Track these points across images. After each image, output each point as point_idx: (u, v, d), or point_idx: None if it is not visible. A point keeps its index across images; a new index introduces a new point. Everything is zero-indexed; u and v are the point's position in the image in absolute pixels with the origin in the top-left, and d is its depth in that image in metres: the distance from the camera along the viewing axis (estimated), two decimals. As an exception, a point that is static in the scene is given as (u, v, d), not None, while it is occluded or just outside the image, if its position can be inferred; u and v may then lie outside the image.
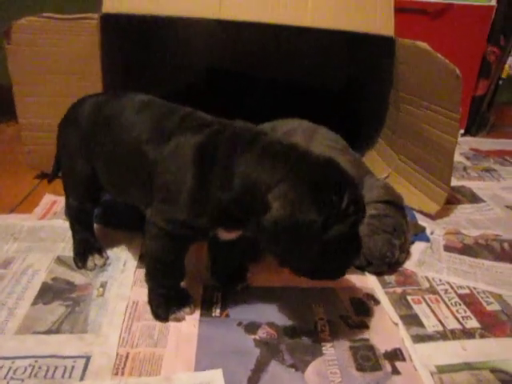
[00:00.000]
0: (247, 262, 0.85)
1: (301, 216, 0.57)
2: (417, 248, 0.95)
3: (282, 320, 0.73)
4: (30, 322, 0.72)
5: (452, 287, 0.84)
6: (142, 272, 0.83)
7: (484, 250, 0.96)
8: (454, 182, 1.31)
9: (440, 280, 0.86)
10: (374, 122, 1.32)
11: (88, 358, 0.66)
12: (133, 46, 1.31)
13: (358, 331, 0.72)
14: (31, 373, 0.63)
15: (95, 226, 0.92)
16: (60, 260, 0.87)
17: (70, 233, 0.91)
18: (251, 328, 0.72)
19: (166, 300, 0.73)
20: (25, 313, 0.73)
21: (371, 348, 0.69)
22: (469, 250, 0.96)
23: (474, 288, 0.84)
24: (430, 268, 0.89)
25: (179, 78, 1.45)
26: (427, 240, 0.98)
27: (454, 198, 1.20)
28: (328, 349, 0.68)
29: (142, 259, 0.87)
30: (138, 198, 0.74)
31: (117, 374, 0.63)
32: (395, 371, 0.65)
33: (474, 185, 1.30)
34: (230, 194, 0.62)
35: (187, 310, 0.74)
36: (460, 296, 0.82)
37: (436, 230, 1.03)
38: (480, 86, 1.64)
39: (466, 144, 1.66)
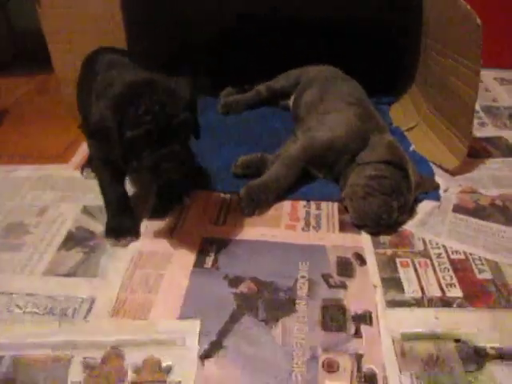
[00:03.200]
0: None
1: (104, 123, 0.74)
2: (423, 207, 0.94)
3: (265, 276, 0.79)
4: (53, 265, 0.84)
5: (446, 251, 0.83)
6: (152, 224, 0.93)
7: (497, 212, 0.92)
8: (492, 132, 1.22)
9: (436, 243, 0.85)
10: (410, 64, 1.24)
11: (93, 300, 0.77)
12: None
13: (336, 291, 0.76)
14: (49, 310, 0.76)
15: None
16: (86, 210, 0.99)
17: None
18: (235, 282, 0.78)
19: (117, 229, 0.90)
20: (51, 257, 0.86)
21: (342, 309, 0.73)
22: (480, 211, 0.92)
23: (471, 254, 0.82)
24: (431, 230, 0.88)
25: (209, 26, 1.46)
26: (437, 199, 0.95)
27: (485, 151, 1.12)
28: (301, 306, 0.74)
29: (154, 214, 0.96)
30: None
31: (113, 315, 0.74)
32: (357, 334, 0.69)
33: (514, 135, 1.20)
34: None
35: (129, 238, 0.89)
36: (452, 261, 0.81)
37: (451, 188, 0.99)
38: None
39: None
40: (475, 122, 1.29)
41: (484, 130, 1.25)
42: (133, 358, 0.66)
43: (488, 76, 1.57)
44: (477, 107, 1.37)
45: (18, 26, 1.95)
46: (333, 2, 1.40)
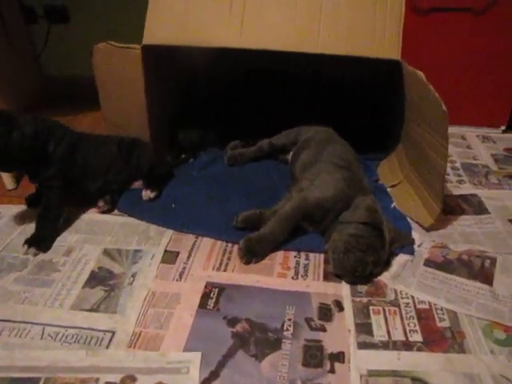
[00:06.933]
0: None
1: None
2: (398, 260, 1.08)
3: (257, 317, 0.94)
4: (79, 301, 0.99)
5: (414, 301, 0.97)
6: (164, 267, 1.08)
7: (462, 267, 1.06)
8: (468, 190, 1.36)
9: (406, 294, 0.99)
10: (398, 125, 1.40)
11: (113, 333, 0.92)
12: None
13: (316, 333, 0.90)
14: (76, 339, 0.91)
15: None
16: (106, 252, 1.14)
17: (116, 227, 1.20)
18: (232, 322, 0.93)
19: None
20: (77, 293, 1.01)
21: (321, 348, 0.87)
22: (447, 265, 1.06)
23: (434, 304, 0.96)
24: (402, 281, 1.02)
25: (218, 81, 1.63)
26: (411, 253, 1.10)
27: (459, 208, 1.27)
28: (286, 345, 0.88)
29: (167, 254, 1.12)
30: None
31: (130, 346, 0.89)
32: (332, 370, 0.83)
33: (487, 193, 1.34)
34: None
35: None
36: (417, 311, 0.95)
37: (424, 243, 1.13)
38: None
39: (502, 142, 1.64)
40: (454, 179, 1.44)
41: (461, 187, 1.39)
42: (145, 382, 0.81)
43: (471, 134, 1.73)
44: (457, 164, 1.53)
45: (49, 72, 2.22)
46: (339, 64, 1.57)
